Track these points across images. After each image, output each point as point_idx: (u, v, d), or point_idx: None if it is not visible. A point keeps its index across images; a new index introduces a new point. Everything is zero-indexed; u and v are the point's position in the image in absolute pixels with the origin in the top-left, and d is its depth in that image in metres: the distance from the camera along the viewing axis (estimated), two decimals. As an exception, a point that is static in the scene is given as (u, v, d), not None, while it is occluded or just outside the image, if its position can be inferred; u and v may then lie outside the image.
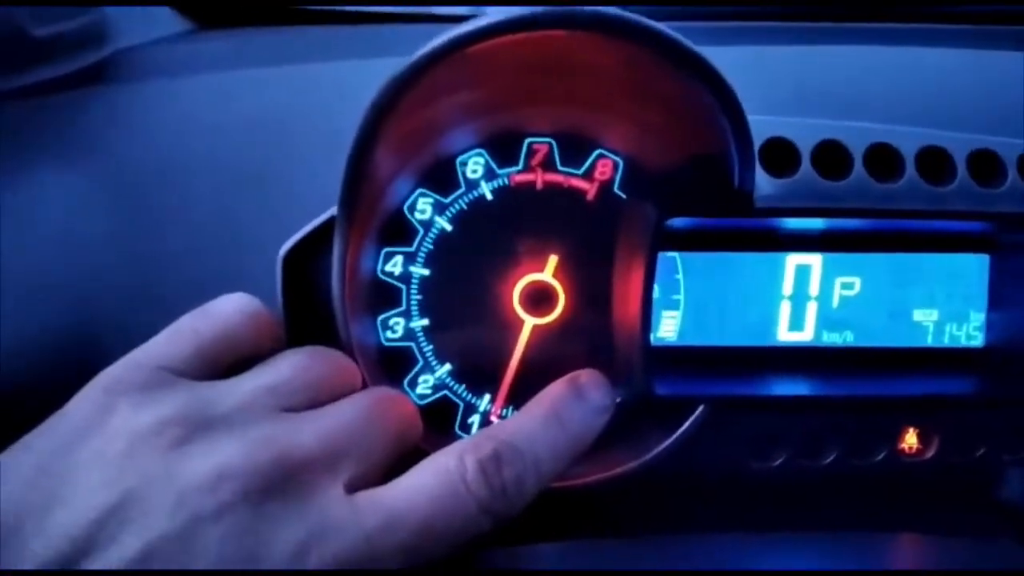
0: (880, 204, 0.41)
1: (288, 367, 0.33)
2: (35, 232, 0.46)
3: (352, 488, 0.30)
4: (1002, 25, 0.62)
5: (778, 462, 0.44)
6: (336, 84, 0.53)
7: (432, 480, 0.31)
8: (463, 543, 0.31)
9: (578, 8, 0.31)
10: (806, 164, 0.41)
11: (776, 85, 0.47)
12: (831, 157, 0.41)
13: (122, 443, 0.27)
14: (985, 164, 0.42)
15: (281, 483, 0.28)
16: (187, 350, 0.32)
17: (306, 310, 0.40)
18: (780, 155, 0.41)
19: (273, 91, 0.53)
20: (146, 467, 0.27)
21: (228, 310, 0.34)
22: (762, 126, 0.41)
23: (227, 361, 0.33)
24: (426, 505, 0.30)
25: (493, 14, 0.32)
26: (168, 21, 0.72)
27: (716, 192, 0.39)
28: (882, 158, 0.42)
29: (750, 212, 0.39)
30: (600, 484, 0.40)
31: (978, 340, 0.47)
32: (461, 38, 0.32)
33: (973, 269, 0.46)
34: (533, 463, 0.33)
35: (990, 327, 0.47)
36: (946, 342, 0.47)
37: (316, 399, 0.33)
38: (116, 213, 0.48)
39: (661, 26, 0.33)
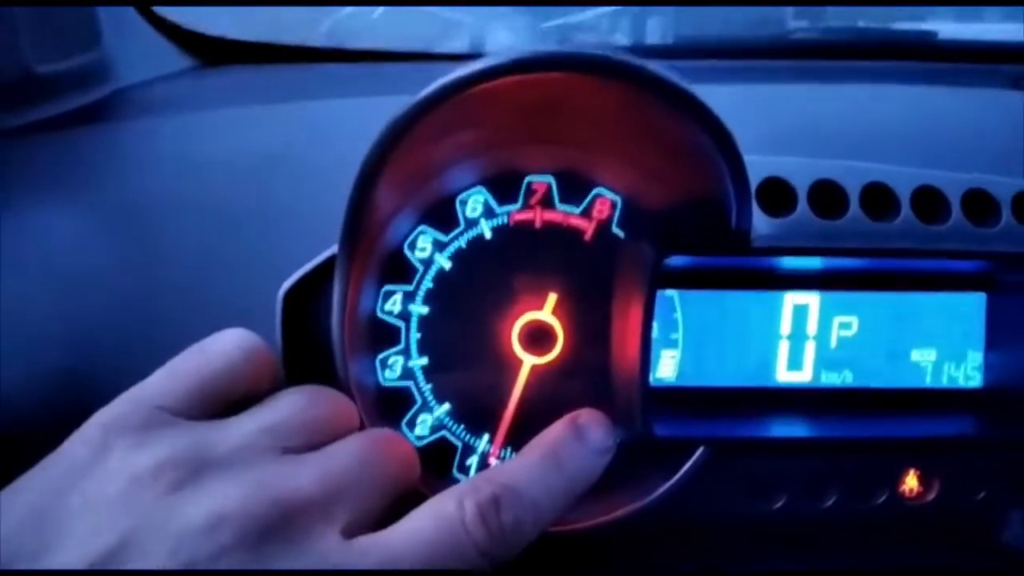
0: (876, 243, 0.41)
1: (287, 407, 0.33)
2: (33, 271, 0.46)
3: (350, 532, 0.30)
4: (994, 63, 0.63)
5: (778, 504, 0.43)
6: (337, 121, 0.53)
7: (431, 524, 0.31)
8: None
9: (576, 51, 0.32)
10: (803, 203, 0.41)
11: (771, 123, 0.48)
12: (827, 196, 0.42)
13: (119, 485, 0.27)
14: (979, 203, 0.43)
15: (279, 527, 0.28)
16: (185, 389, 0.31)
17: (305, 349, 0.40)
18: (776, 194, 0.41)
19: (274, 128, 0.53)
20: (143, 510, 0.27)
21: (227, 347, 0.34)
22: (758, 166, 0.41)
23: (225, 399, 0.33)
24: (425, 549, 0.30)
25: (494, 56, 0.33)
26: (171, 59, 0.73)
27: (714, 231, 0.39)
28: (877, 197, 0.42)
29: (748, 251, 0.39)
30: (600, 528, 0.40)
31: (976, 380, 0.47)
32: (463, 79, 0.32)
33: (971, 308, 0.46)
34: (532, 506, 0.33)
35: (988, 367, 0.47)
36: (944, 382, 0.47)
37: (314, 440, 0.33)
38: (114, 252, 0.48)
39: (658, 68, 0.33)
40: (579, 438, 0.36)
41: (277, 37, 0.78)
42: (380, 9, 0.95)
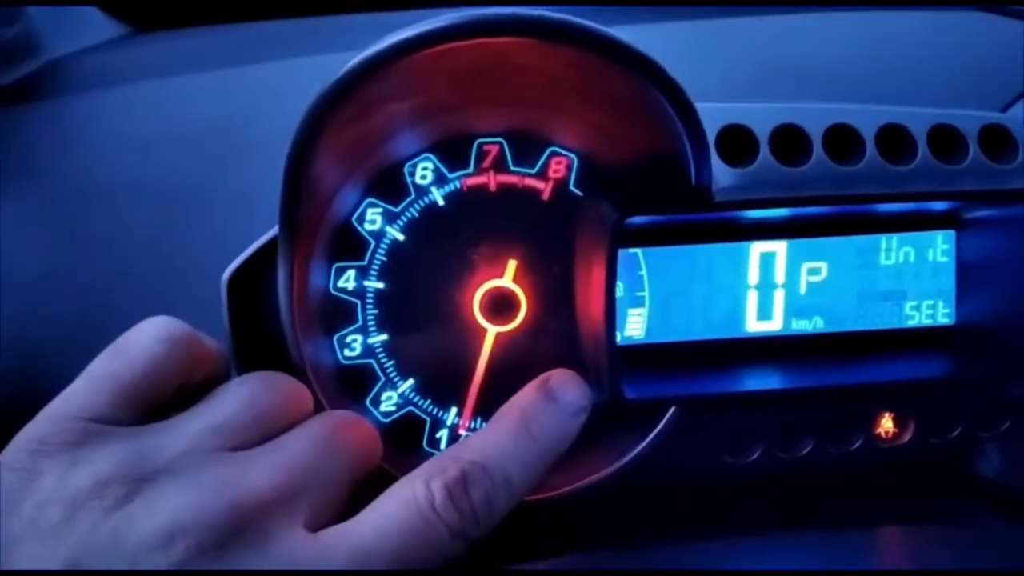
0: (842, 189, 0.40)
1: (233, 401, 0.31)
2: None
3: (315, 525, 0.29)
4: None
5: (754, 456, 0.43)
6: (276, 86, 0.51)
7: (399, 509, 0.29)
8: (437, 567, 0.30)
9: (515, 13, 0.30)
10: (764, 151, 0.40)
11: (724, 63, 0.46)
12: (789, 142, 0.40)
13: (58, 510, 0.25)
14: (946, 139, 0.41)
15: (238, 531, 0.27)
16: (110, 395, 0.29)
17: (256, 334, 0.38)
18: (736, 143, 0.40)
19: (211, 98, 0.50)
20: (89, 533, 0.25)
21: (146, 342, 0.31)
22: (717, 113, 0.40)
23: (158, 398, 0.31)
24: (396, 539, 0.29)
25: (428, 22, 0.30)
26: (100, 27, 0.69)
27: (674, 187, 0.38)
28: (841, 139, 0.40)
29: (709, 206, 0.38)
30: (575, 494, 0.39)
31: (948, 318, 0.46)
32: (394, 48, 0.30)
33: (940, 246, 0.45)
34: (503, 480, 0.31)
35: (960, 304, 0.46)
36: (917, 322, 0.46)
37: (266, 432, 0.31)
38: (51, 240, 0.46)
39: (602, 29, 0.31)
40: (552, 400, 0.35)
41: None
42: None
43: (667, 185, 0.38)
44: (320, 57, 0.53)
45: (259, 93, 0.51)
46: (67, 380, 0.40)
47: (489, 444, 0.33)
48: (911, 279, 0.45)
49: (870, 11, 0.54)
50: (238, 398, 0.31)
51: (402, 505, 0.30)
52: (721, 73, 0.47)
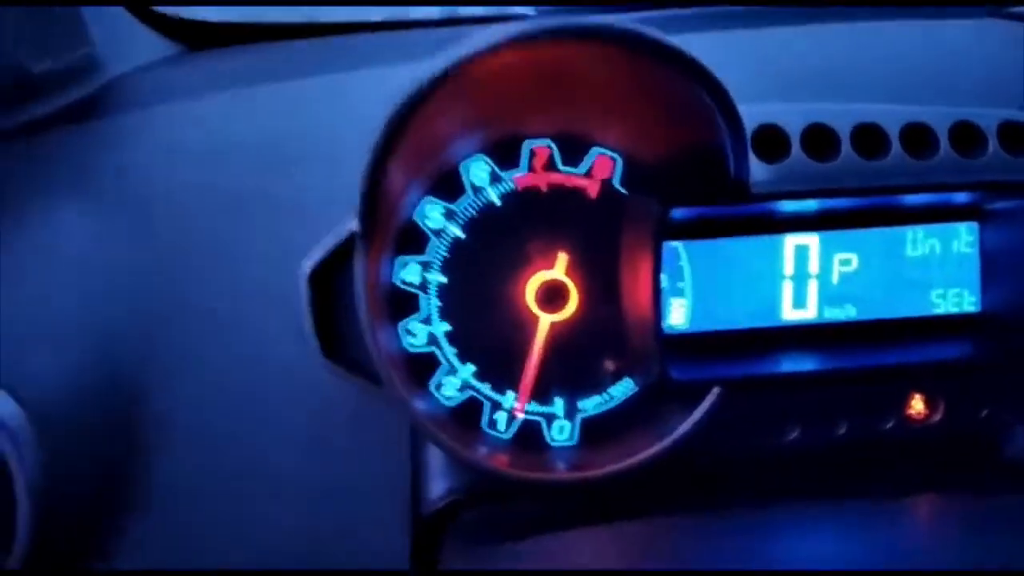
0: (870, 182, 0.43)
1: None
2: (51, 269, 0.47)
3: None
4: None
5: (792, 436, 0.45)
6: (331, 97, 0.54)
7: None
8: None
9: (577, 23, 0.33)
10: (796, 148, 0.43)
11: (757, 69, 0.49)
12: (819, 139, 0.43)
13: None
14: (966, 135, 0.44)
15: None
16: None
17: (333, 323, 0.41)
18: (770, 141, 0.43)
19: (269, 109, 0.54)
20: None
21: None
22: (750, 114, 0.42)
23: None
24: None
25: (494, 30, 0.34)
26: (156, 47, 0.73)
27: (714, 182, 0.41)
28: (868, 137, 0.43)
29: (748, 198, 0.41)
30: (624, 472, 0.42)
31: (974, 306, 0.49)
32: (471, 56, 0.34)
33: (964, 237, 0.48)
34: None
35: (984, 292, 0.49)
36: (944, 309, 0.49)
37: None
38: (128, 242, 0.49)
39: (659, 34, 0.34)
40: None
41: (257, 16, 0.78)
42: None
43: (707, 180, 0.41)
44: (365, 71, 0.56)
45: (308, 104, 0.54)
46: (145, 373, 0.44)
47: None
48: (937, 269, 0.48)
49: (894, 20, 0.57)
50: None
51: None
52: (749, 79, 0.50)
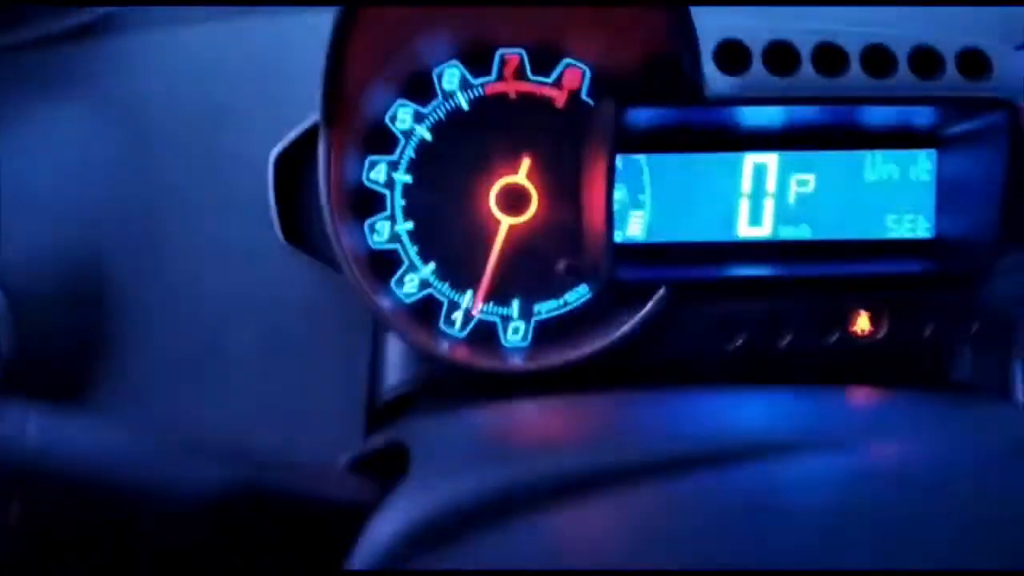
0: (826, 95, 0.44)
1: None
2: (47, 161, 0.49)
3: None
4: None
5: (737, 343, 0.47)
6: (310, 27, 0.55)
7: None
8: None
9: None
10: (757, 63, 0.44)
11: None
12: (781, 56, 0.44)
13: None
14: (926, 59, 0.45)
15: None
16: None
17: (297, 211, 0.43)
18: (732, 55, 0.44)
19: (258, 34, 0.55)
20: None
21: None
22: (715, 27, 0.44)
23: None
24: None
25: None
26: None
27: (672, 87, 0.42)
28: (828, 55, 0.44)
29: (702, 101, 0.42)
30: (572, 364, 0.44)
31: (928, 231, 0.50)
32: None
33: (923, 164, 0.49)
34: None
35: (939, 218, 0.50)
36: (898, 233, 0.50)
37: None
38: (118, 145, 0.51)
39: None
40: None
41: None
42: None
43: (666, 86, 0.42)
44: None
45: (294, 30, 0.55)
46: (118, 254, 0.46)
47: None
48: (894, 194, 0.49)
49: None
50: None
51: None
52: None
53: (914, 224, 0.50)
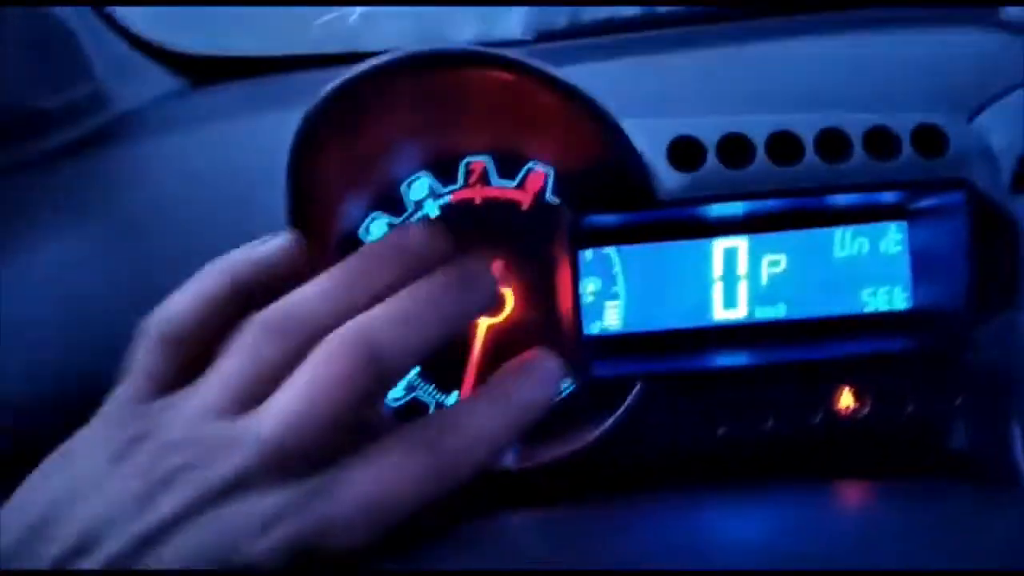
0: (782, 186, 0.45)
1: (236, 362, 0.33)
2: (43, 289, 0.52)
3: None
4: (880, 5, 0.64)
5: (720, 433, 0.47)
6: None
7: (402, 457, 0.32)
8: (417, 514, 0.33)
9: (443, 49, 0.36)
10: (712, 158, 0.45)
11: (684, 88, 0.52)
12: (735, 149, 0.45)
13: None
14: (881, 140, 0.46)
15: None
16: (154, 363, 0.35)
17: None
18: (686, 152, 0.45)
19: (272, 136, 0.58)
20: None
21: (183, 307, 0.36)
22: (668, 127, 0.45)
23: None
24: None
25: (376, 58, 0.37)
26: (160, 81, 0.78)
27: (625, 191, 0.44)
28: (783, 144, 0.45)
29: (655, 204, 0.43)
30: (542, 467, 0.44)
31: (905, 302, 0.50)
32: (350, 81, 0.37)
33: (893, 236, 0.50)
34: (476, 436, 0.34)
35: (915, 288, 0.50)
36: (874, 307, 0.50)
37: (282, 374, 0.32)
38: (117, 266, 0.53)
39: (522, 58, 0.37)
40: (526, 370, 0.38)
41: (263, 49, 0.83)
42: (357, 11, 0.99)
43: (620, 189, 0.44)
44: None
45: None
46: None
47: (466, 406, 0.35)
48: (866, 267, 0.50)
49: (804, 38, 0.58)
50: (241, 355, 0.33)
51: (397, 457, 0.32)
52: (674, 95, 0.53)
53: (890, 296, 0.50)
